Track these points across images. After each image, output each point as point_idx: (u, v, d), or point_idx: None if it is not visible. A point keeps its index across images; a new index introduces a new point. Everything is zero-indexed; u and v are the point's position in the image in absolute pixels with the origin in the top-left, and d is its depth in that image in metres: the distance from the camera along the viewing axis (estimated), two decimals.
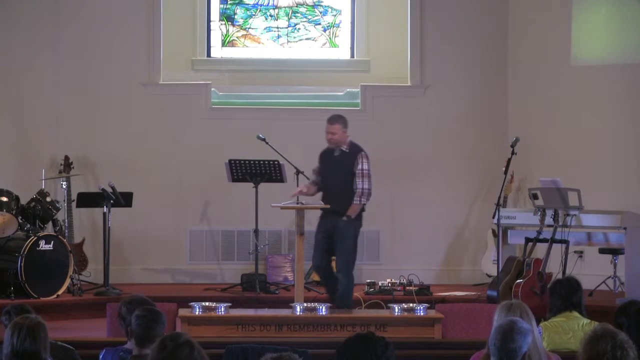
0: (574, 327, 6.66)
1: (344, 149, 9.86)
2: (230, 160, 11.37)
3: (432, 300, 10.45)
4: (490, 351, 4.84)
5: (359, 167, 9.80)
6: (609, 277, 11.13)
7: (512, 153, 10.24)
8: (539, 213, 10.27)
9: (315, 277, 10.75)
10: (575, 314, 6.70)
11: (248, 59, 13.01)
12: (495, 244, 11.40)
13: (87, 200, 11.12)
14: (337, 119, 9.83)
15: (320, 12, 13.14)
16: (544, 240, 10.14)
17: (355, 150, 9.89)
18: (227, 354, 7.07)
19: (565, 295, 6.70)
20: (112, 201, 10.81)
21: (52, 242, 10.61)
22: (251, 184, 11.24)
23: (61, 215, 11.30)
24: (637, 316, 5.89)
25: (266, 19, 13.11)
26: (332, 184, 9.82)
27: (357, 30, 12.99)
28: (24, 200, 10.79)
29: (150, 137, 12.41)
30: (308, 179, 10.44)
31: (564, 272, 10.07)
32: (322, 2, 13.13)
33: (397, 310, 8.82)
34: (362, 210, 9.88)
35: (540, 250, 10.55)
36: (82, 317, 10.44)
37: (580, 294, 6.76)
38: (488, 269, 11.97)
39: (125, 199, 10.98)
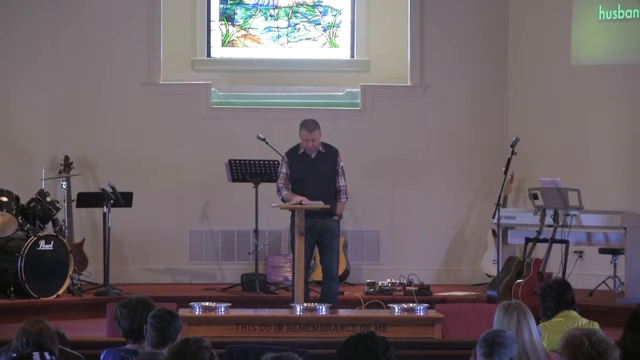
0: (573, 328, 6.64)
1: (320, 150, 9.89)
2: (230, 160, 11.37)
3: (432, 300, 10.44)
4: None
5: (341, 164, 9.88)
6: (609, 277, 11.12)
7: (512, 153, 10.23)
8: (539, 213, 10.27)
9: (316, 277, 10.74)
10: (574, 313, 6.68)
11: (248, 59, 13.01)
12: (495, 244, 11.40)
13: (87, 200, 11.12)
14: (316, 125, 9.84)
15: (320, 12, 13.13)
16: (544, 240, 10.14)
17: (332, 149, 9.97)
18: (227, 354, 7.06)
19: (557, 296, 6.67)
20: (112, 201, 10.81)
21: (52, 242, 10.59)
22: (251, 184, 11.26)
23: (61, 215, 11.30)
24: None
25: (266, 19, 13.10)
26: (314, 185, 9.79)
27: (357, 30, 12.99)
28: (24, 200, 10.78)
29: (151, 137, 12.41)
30: None
31: (564, 272, 10.07)
32: (322, 2, 13.13)
33: (397, 310, 8.81)
34: None
35: (540, 250, 10.55)
36: (82, 317, 10.42)
37: (572, 293, 6.74)
38: (488, 269, 11.97)
39: (125, 199, 10.98)
